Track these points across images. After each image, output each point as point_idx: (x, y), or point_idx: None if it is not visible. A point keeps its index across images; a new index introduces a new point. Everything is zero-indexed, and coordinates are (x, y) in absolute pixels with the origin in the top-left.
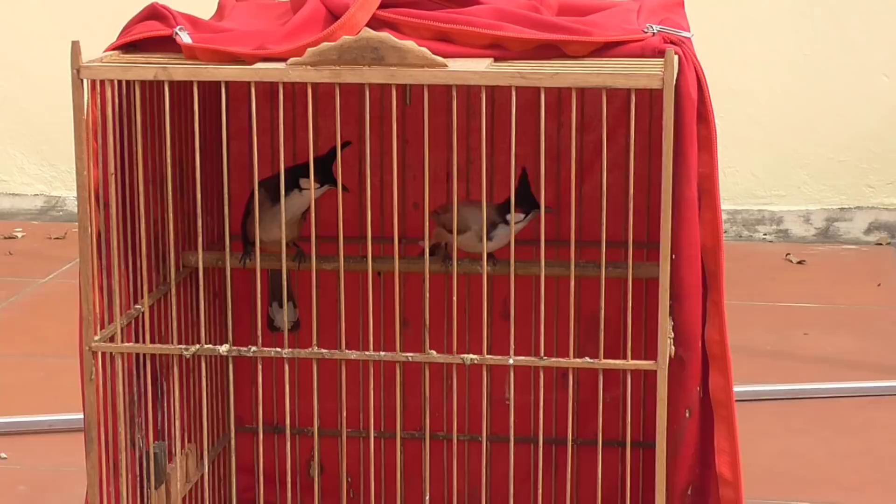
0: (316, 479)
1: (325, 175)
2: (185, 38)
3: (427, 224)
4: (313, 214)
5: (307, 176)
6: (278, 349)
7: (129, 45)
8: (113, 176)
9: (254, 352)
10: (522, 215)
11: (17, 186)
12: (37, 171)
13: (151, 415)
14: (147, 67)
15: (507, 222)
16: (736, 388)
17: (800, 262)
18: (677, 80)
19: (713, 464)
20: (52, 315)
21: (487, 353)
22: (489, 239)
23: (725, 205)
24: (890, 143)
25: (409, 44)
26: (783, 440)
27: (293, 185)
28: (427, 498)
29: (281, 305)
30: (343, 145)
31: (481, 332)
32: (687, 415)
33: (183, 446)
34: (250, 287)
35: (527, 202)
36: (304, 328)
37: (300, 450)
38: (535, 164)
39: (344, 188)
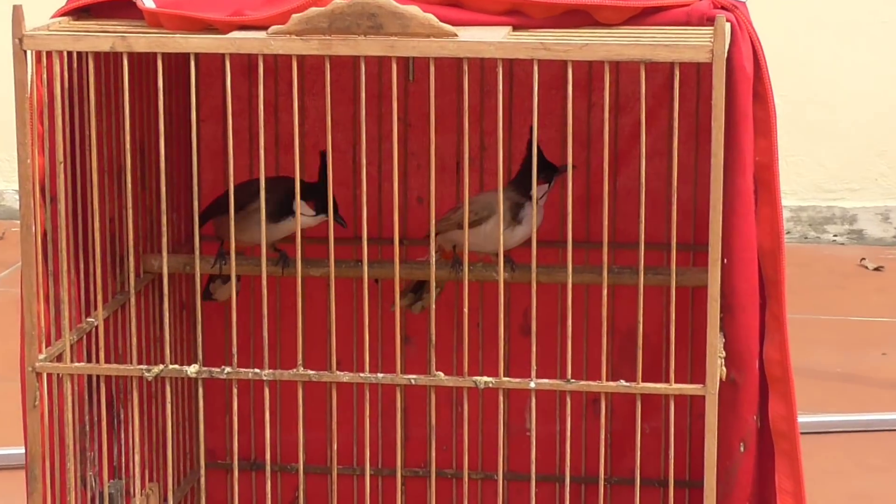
0: None
1: (321, 202)
2: (147, 1)
3: (433, 222)
4: (300, 213)
5: (302, 198)
6: (257, 370)
7: (81, 10)
8: (62, 165)
9: (228, 373)
10: (546, 185)
11: None
12: None
13: (106, 448)
14: (103, 37)
15: (531, 199)
16: (800, 418)
17: (877, 269)
18: (729, 51)
19: None
20: None
21: (504, 376)
22: (518, 222)
23: (787, 200)
24: None
25: (413, 9)
26: (857, 479)
27: (288, 211)
28: None
29: (224, 282)
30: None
31: (497, 351)
32: (741, 449)
33: (143, 486)
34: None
35: (546, 169)
36: (288, 346)
37: (282, 489)
38: (562, 152)
39: (341, 221)
